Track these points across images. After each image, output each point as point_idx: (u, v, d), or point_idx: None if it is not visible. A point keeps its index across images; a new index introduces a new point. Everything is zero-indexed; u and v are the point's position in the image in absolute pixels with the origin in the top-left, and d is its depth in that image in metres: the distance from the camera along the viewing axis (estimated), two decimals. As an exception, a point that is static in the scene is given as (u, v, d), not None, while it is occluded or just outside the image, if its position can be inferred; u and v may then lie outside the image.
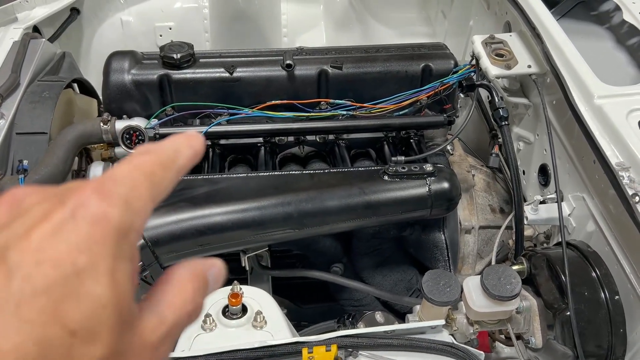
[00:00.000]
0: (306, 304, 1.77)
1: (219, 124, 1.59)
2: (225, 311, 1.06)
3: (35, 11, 1.84)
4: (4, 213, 0.32)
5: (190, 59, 1.62)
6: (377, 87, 1.67)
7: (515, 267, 1.29)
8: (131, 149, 1.57)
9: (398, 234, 1.66)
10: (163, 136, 1.53)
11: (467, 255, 1.64)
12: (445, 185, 1.44)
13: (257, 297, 1.10)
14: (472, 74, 1.63)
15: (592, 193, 1.31)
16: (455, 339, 1.08)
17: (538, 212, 1.42)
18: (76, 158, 1.55)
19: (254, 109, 1.61)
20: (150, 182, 0.33)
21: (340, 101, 1.65)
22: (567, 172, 1.42)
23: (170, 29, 2.31)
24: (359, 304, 1.66)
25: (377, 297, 1.65)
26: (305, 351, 0.93)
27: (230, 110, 1.60)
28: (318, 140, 1.71)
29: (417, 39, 2.37)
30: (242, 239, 1.37)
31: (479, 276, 1.14)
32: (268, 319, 1.05)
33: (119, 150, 1.60)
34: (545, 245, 1.55)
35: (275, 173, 1.49)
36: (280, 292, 1.61)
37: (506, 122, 1.53)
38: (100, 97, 1.73)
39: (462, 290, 1.16)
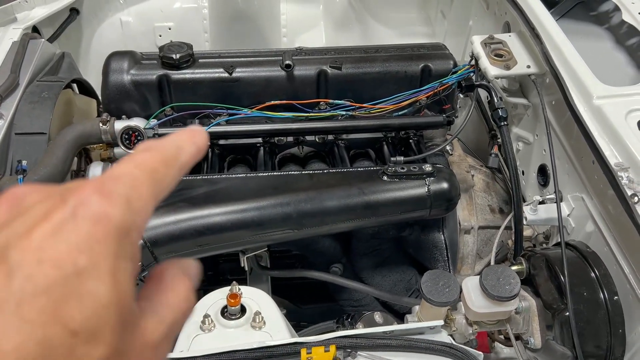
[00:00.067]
0: (305, 304, 1.77)
1: (218, 124, 1.59)
2: (224, 312, 1.06)
3: (34, 11, 1.84)
4: (5, 212, 0.32)
5: (190, 59, 1.62)
6: (377, 88, 1.67)
7: (514, 268, 1.29)
8: (130, 149, 1.57)
9: (397, 234, 1.66)
10: (162, 136, 1.53)
11: (466, 255, 1.64)
12: (445, 185, 1.44)
13: (256, 298, 1.10)
14: (472, 74, 1.63)
15: (591, 193, 1.31)
16: (454, 339, 1.08)
17: (537, 212, 1.42)
18: (75, 158, 1.55)
19: (253, 109, 1.61)
20: (152, 180, 0.33)
21: (339, 101, 1.65)
22: (566, 173, 1.42)
23: (169, 29, 2.31)
24: (358, 304, 1.66)
25: (377, 298, 1.65)
26: (304, 352, 0.93)
27: (229, 111, 1.60)
28: (317, 140, 1.71)
29: (416, 39, 2.37)
30: (241, 239, 1.37)
31: (478, 276, 1.14)
32: (267, 320, 1.05)
33: (118, 150, 1.60)
34: (544, 245, 1.55)
35: (275, 173, 1.49)
36: (280, 292, 1.62)
37: (505, 123, 1.53)
38: (100, 98, 1.73)
39: (461, 291, 1.16)
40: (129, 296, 0.30)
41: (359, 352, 0.95)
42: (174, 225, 1.27)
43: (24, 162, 1.39)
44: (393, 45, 1.79)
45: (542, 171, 1.58)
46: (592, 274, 1.19)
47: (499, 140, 1.57)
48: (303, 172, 1.54)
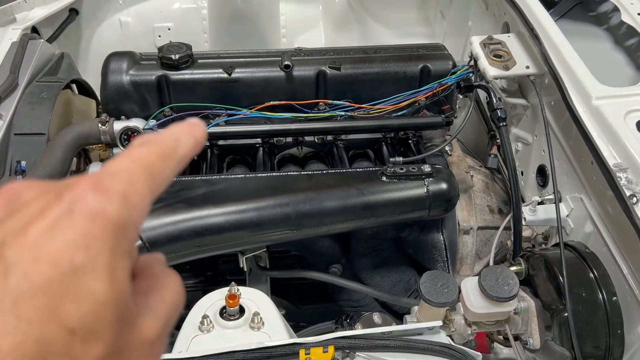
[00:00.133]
0: (305, 305, 1.77)
1: (218, 124, 1.59)
2: (223, 312, 1.06)
3: (34, 12, 1.84)
4: (1, 208, 0.31)
5: (189, 59, 1.62)
6: (376, 88, 1.67)
7: (513, 268, 1.29)
8: (129, 149, 1.57)
9: (396, 235, 1.66)
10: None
11: (465, 256, 1.64)
12: (444, 186, 1.44)
13: (255, 298, 1.10)
14: (471, 74, 1.63)
15: (590, 194, 1.31)
16: (452, 340, 1.08)
17: (536, 213, 1.43)
18: (74, 159, 1.55)
19: (252, 110, 1.61)
20: (149, 175, 0.33)
21: (338, 102, 1.65)
22: (565, 173, 1.42)
23: (169, 29, 2.31)
24: (357, 304, 1.66)
25: (376, 298, 1.65)
26: (302, 352, 0.93)
27: (228, 111, 1.60)
28: (316, 141, 1.71)
29: (415, 39, 2.37)
30: (240, 240, 1.37)
31: (477, 277, 1.14)
32: (265, 320, 1.05)
33: (117, 151, 1.60)
34: (543, 246, 1.55)
35: (274, 174, 1.49)
36: (279, 292, 1.62)
37: (504, 123, 1.53)
38: (99, 98, 1.73)
39: (459, 291, 1.16)
40: (126, 293, 0.30)
41: (357, 353, 0.95)
42: (172, 226, 1.27)
43: (23, 163, 1.39)
44: (392, 45, 1.79)
45: (541, 172, 1.58)
46: (591, 275, 1.19)
47: (498, 140, 1.57)
48: (302, 172, 1.54)
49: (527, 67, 1.53)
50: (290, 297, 1.71)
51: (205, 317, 1.05)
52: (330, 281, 1.55)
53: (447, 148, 1.70)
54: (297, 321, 1.55)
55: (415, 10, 2.50)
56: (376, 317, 1.23)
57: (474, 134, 1.96)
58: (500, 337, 1.38)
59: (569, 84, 1.36)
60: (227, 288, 1.07)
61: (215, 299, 1.09)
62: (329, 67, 1.65)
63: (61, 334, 0.27)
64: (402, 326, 1.06)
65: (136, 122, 1.58)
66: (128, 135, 1.57)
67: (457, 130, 1.58)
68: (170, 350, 1.02)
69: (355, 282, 1.58)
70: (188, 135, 0.36)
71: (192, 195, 1.35)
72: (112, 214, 0.30)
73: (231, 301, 1.05)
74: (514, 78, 1.65)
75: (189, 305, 1.10)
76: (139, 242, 1.22)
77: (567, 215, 1.40)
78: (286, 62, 1.62)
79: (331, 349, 0.93)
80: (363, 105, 1.64)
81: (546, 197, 1.46)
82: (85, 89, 1.84)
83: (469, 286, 1.15)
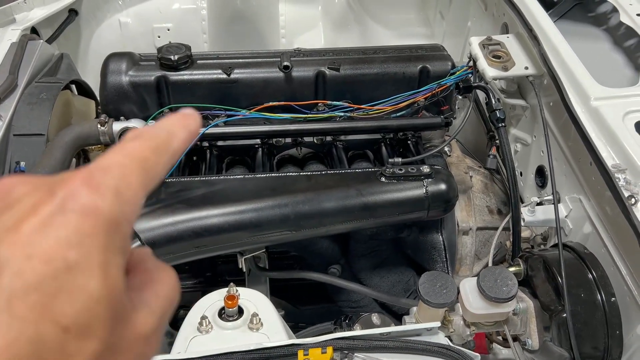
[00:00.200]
0: (304, 306, 1.77)
1: (217, 125, 1.59)
2: (222, 313, 1.06)
3: (33, 12, 1.84)
4: None
5: (188, 60, 1.62)
6: (375, 89, 1.67)
7: (512, 269, 1.30)
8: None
9: (395, 236, 1.66)
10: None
11: (464, 256, 1.64)
12: (443, 186, 1.44)
13: (254, 299, 1.10)
14: (470, 75, 1.63)
15: (589, 195, 1.31)
16: (451, 340, 1.08)
17: (535, 213, 1.43)
18: (74, 160, 1.55)
19: (251, 111, 1.61)
20: (142, 169, 0.32)
21: (337, 102, 1.65)
22: (564, 174, 1.43)
23: (168, 30, 2.31)
24: (356, 305, 1.66)
25: (375, 299, 1.65)
26: (301, 353, 0.93)
27: (227, 112, 1.60)
28: (315, 141, 1.71)
29: (415, 40, 2.37)
30: (239, 240, 1.37)
31: (476, 278, 1.14)
32: (264, 321, 1.05)
33: (116, 151, 1.60)
34: (542, 246, 1.55)
35: (273, 175, 1.49)
36: (278, 293, 1.62)
37: (503, 124, 1.53)
38: (98, 99, 1.73)
39: (458, 292, 1.16)
40: (120, 289, 0.30)
41: (355, 354, 0.95)
42: (172, 227, 1.27)
43: (22, 164, 1.39)
44: (391, 46, 1.79)
45: (540, 172, 1.58)
46: (590, 275, 1.19)
47: (497, 141, 1.57)
48: (301, 173, 1.54)
49: (526, 68, 1.53)
50: (289, 297, 1.71)
51: (204, 317, 1.05)
52: (329, 282, 1.55)
53: (446, 149, 1.70)
54: (296, 322, 1.55)
55: (414, 11, 2.50)
56: (375, 317, 1.23)
57: (473, 134, 1.96)
58: (499, 337, 1.38)
59: (568, 84, 1.36)
60: (226, 289, 1.07)
61: (214, 300, 1.09)
62: (328, 67, 1.65)
63: (55, 331, 0.27)
64: (400, 327, 1.06)
65: (135, 123, 1.58)
66: (127, 136, 1.56)
67: (456, 130, 1.58)
68: (169, 350, 1.02)
69: (354, 283, 1.58)
70: (181, 127, 0.36)
71: (191, 196, 1.35)
72: (104, 210, 0.29)
73: (230, 302, 1.05)
74: (513, 79, 1.66)
75: (188, 306, 1.10)
76: (138, 242, 1.22)
77: (566, 216, 1.40)
78: (285, 63, 1.62)
79: (330, 349, 0.93)
80: (362, 106, 1.64)
81: (545, 198, 1.46)
82: (84, 90, 1.84)
83: (468, 287, 1.15)
